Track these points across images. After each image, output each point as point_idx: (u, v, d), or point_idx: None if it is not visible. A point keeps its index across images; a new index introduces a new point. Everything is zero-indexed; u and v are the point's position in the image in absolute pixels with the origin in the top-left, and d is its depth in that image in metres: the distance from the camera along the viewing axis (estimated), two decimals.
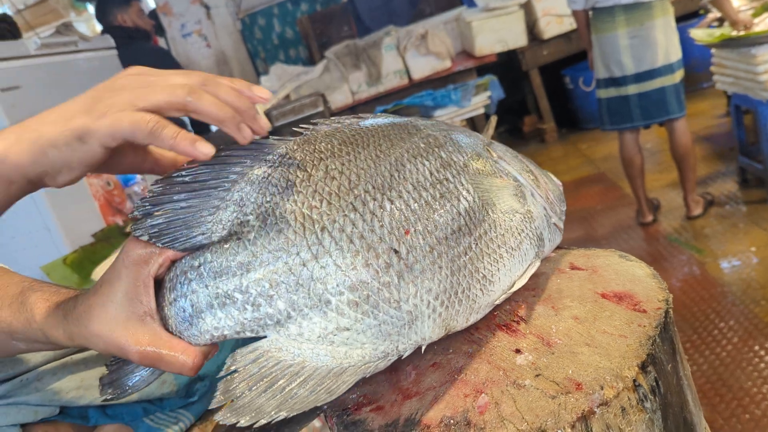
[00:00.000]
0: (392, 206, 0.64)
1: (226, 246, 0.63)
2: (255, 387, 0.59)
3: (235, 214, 0.63)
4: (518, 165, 0.78)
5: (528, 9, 5.03)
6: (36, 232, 2.28)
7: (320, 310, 0.61)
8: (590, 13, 3.13)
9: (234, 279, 0.62)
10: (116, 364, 0.69)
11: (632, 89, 3.09)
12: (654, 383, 0.60)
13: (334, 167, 0.65)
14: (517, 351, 0.66)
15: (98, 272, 1.64)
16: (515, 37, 4.95)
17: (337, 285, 0.61)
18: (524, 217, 0.73)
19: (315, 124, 0.72)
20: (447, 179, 0.69)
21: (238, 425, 0.57)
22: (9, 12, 4.03)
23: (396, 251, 0.63)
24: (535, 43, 5.11)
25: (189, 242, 0.63)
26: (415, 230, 0.64)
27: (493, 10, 4.85)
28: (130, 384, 0.68)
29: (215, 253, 0.63)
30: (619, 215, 3.64)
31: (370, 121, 0.74)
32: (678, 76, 3.05)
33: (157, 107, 0.59)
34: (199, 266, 0.63)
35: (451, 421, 0.60)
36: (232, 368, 0.61)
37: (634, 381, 0.59)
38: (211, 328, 0.63)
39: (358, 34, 5.43)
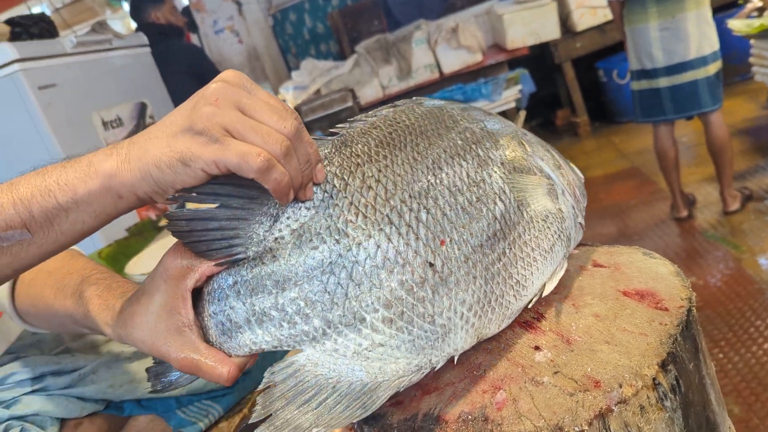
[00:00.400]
0: (428, 216, 0.63)
1: (261, 263, 0.62)
2: (292, 402, 0.60)
3: (270, 229, 0.62)
4: (550, 160, 0.77)
5: (561, 1, 4.96)
6: None
7: (355, 328, 0.61)
8: (624, 4, 3.09)
9: (270, 297, 0.62)
10: (161, 362, 0.72)
11: (663, 82, 3.04)
12: (674, 381, 0.60)
13: (370, 174, 0.64)
14: (536, 348, 0.66)
15: (131, 266, 1.69)
16: (548, 30, 4.89)
17: (372, 303, 0.61)
18: (556, 217, 0.72)
19: (352, 121, 0.71)
20: (483, 180, 0.67)
21: None
22: (47, 11, 4.13)
23: (431, 264, 0.62)
24: (568, 36, 5.04)
25: (224, 253, 0.63)
26: (450, 240, 0.63)
27: (525, 2, 4.80)
28: (173, 379, 0.70)
29: (251, 271, 0.63)
30: (654, 210, 3.57)
31: (406, 113, 0.73)
32: (712, 68, 2.98)
33: (245, 157, 0.56)
34: (235, 284, 0.63)
35: (469, 417, 0.60)
36: (271, 382, 0.61)
37: (654, 379, 0.58)
38: (249, 342, 0.64)
39: (389, 28, 5.42)
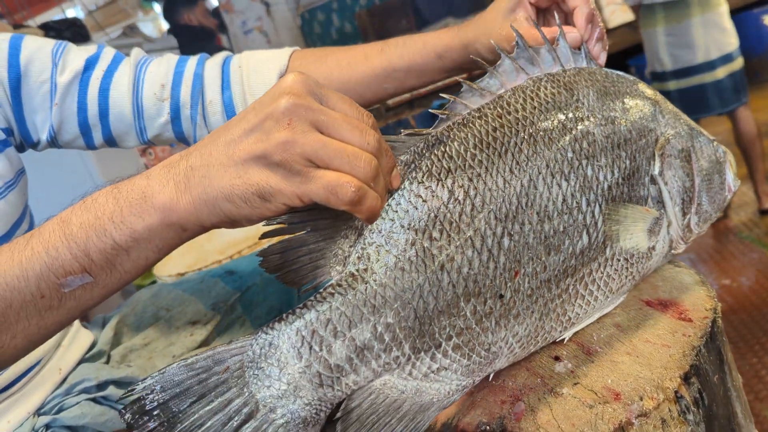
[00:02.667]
0: (510, 242, 0.60)
1: (351, 289, 0.57)
2: (365, 425, 0.57)
3: (355, 244, 0.59)
4: (692, 167, 0.69)
5: None
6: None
7: (430, 352, 0.60)
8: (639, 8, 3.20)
9: (369, 326, 0.57)
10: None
11: (672, 85, 3.11)
12: (698, 395, 0.59)
13: (460, 185, 0.59)
14: (556, 358, 0.65)
15: (159, 266, 1.71)
16: None
17: (448, 329, 0.59)
18: (642, 257, 0.68)
19: (453, 100, 0.64)
20: (579, 208, 0.62)
21: None
22: (81, 13, 4.22)
23: (501, 296, 0.60)
24: None
25: (311, 278, 0.59)
26: (524, 272, 0.61)
27: None
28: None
29: (343, 300, 0.57)
30: None
31: (528, 93, 0.65)
32: (721, 72, 3.00)
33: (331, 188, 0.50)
34: (329, 321, 0.57)
35: (487, 428, 0.60)
36: (350, 407, 0.58)
37: (676, 392, 0.57)
38: (352, 385, 0.58)
39: (417, 26, 5.40)
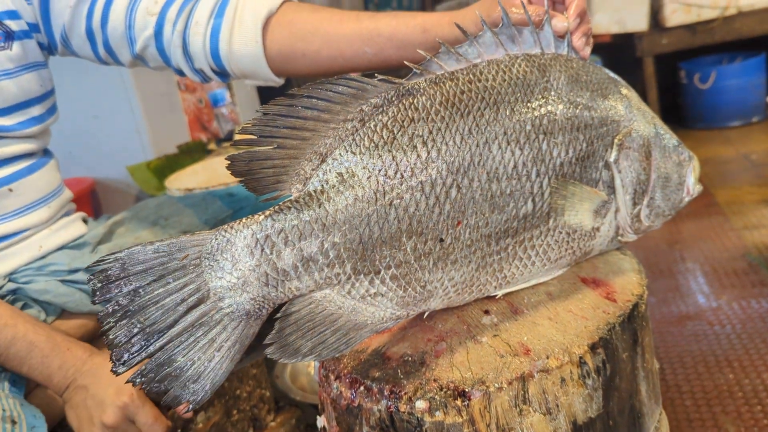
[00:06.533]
0: (458, 194, 0.65)
1: (308, 207, 0.63)
2: (300, 329, 0.64)
3: (317, 168, 0.65)
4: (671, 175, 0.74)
5: None
6: (128, 133, 2.47)
7: (370, 277, 0.65)
8: None
9: (317, 242, 0.63)
10: None
11: None
12: (601, 364, 0.65)
13: (419, 134, 0.65)
14: (486, 312, 0.72)
15: (171, 180, 1.80)
16: (636, 20, 4.72)
17: (389, 260, 0.65)
18: (584, 235, 0.73)
19: (430, 58, 0.69)
20: (528, 176, 0.67)
21: (279, 361, 0.63)
22: None
23: (441, 240, 0.65)
24: (656, 30, 4.85)
25: (272, 189, 0.65)
26: (466, 223, 0.66)
27: None
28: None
29: (298, 216, 0.63)
30: (702, 222, 3.48)
31: (500, 69, 0.69)
32: None
33: None
34: (282, 230, 0.63)
35: (409, 359, 0.67)
36: (290, 310, 0.64)
37: (581, 358, 0.63)
38: (293, 290, 0.64)
39: None
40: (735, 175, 3.64)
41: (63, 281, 0.97)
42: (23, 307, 0.93)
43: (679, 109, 5.21)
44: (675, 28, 4.80)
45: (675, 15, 4.76)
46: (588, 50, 0.76)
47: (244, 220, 0.64)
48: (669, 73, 5.15)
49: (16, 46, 0.94)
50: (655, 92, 5.11)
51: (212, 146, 2.42)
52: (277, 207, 0.64)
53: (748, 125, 4.42)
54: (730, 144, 4.23)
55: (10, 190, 0.96)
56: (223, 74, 1.02)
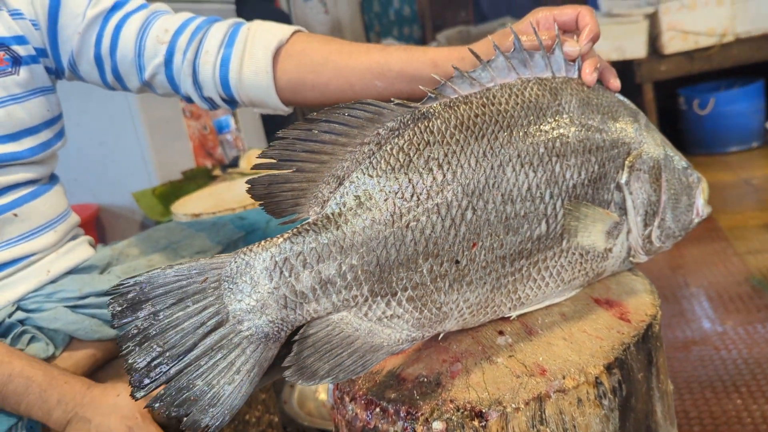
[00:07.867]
0: (473, 216, 0.66)
1: (326, 230, 0.64)
2: (317, 351, 0.64)
3: (334, 191, 0.66)
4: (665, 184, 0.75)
5: (653, 20, 4.84)
6: (133, 160, 2.48)
7: (386, 299, 0.66)
8: None
9: (335, 264, 0.64)
10: None
11: None
12: (617, 385, 0.65)
13: (435, 157, 0.66)
14: (500, 333, 0.72)
15: (178, 206, 1.81)
16: (634, 48, 4.78)
17: (405, 282, 0.66)
18: (597, 256, 0.74)
19: (445, 83, 0.70)
20: (542, 198, 0.68)
21: (298, 384, 0.63)
22: None
23: (457, 262, 0.66)
24: (654, 57, 4.92)
25: (290, 212, 0.66)
26: (481, 245, 0.67)
27: (616, 16, 4.71)
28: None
29: (316, 238, 0.64)
30: (705, 247, 3.49)
31: (514, 92, 0.71)
32: None
33: None
34: (300, 253, 0.64)
35: (425, 380, 0.67)
36: (308, 332, 0.65)
37: (597, 378, 0.64)
38: (312, 312, 0.65)
39: (474, 21, 5.42)
40: (737, 200, 3.66)
41: (73, 307, 0.96)
42: (30, 341, 0.92)
43: (678, 135, 5.25)
44: (673, 55, 4.86)
45: (673, 42, 4.82)
46: (595, 75, 0.76)
47: (263, 243, 0.64)
48: (668, 100, 5.21)
49: (23, 71, 0.96)
50: (655, 118, 5.16)
51: (217, 172, 2.44)
52: (295, 230, 0.65)
53: (748, 150, 4.45)
54: (731, 169, 4.26)
55: (15, 215, 0.96)
56: (231, 102, 1.04)
